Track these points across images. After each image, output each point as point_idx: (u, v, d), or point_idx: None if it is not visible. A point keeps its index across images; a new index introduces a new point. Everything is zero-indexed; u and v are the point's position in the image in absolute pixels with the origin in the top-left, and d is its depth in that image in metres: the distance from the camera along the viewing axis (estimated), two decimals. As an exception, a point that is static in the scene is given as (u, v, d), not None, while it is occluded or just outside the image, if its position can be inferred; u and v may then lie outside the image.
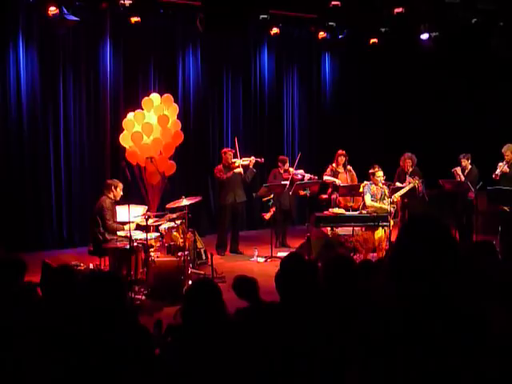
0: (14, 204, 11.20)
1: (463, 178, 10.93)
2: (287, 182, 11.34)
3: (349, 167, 11.73)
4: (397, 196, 10.23)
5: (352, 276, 3.71)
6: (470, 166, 11.06)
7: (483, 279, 3.73)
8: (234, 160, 11.23)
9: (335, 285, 3.67)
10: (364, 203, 10.32)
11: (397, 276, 2.27)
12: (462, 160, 11.08)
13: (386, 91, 14.99)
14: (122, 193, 8.95)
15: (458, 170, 11.06)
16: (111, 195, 8.84)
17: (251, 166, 11.32)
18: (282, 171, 11.80)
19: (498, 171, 10.44)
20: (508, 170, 10.40)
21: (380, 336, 2.23)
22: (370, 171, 10.43)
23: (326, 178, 11.66)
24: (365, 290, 3.54)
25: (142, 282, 8.59)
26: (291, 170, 11.71)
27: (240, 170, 11.12)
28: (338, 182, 11.50)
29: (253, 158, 11.37)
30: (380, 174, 10.26)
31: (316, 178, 11.53)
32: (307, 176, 11.58)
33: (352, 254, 9.76)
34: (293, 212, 12.30)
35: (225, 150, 11.55)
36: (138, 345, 3.45)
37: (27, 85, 11.44)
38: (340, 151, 11.72)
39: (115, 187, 8.88)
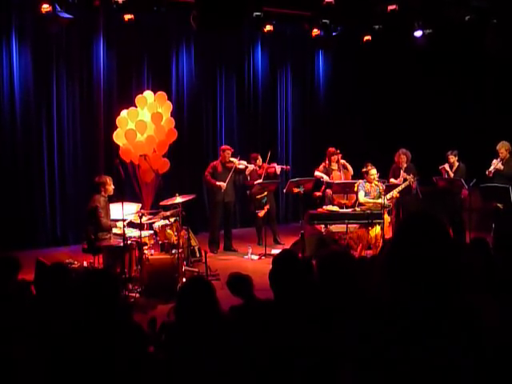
0: (7, 202, 11.16)
1: (452, 175, 10.97)
2: (277, 181, 11.44)
3: (343, 162, 11.71)
4: (395, 193, 10.24)
5: (347, 273, 3.71)
6: (457, 163, 11.08)
7: (477, 275, 3.74)
8: (231, 159, 11.22)
9: (330, 282, 3.67)
10: (358, 200, 10.37)
11: (393, 274, 2.27)
12: (450, 156, 11.09)
13: (380, 88, 14.99)
14: (113, 186, 8.89)
15: (446, 166, 11.09)
16: (103, 193, 8.80)
17: (247, 173, 11.32)
18: (256, 168, 11.73)
19: (491, 168, 10.46)
20: (502, 167, 10.42)
21: (374, 334, 2.23)
22: (363, 170, 10.47)
23: (316, 173, 11.66)
24: (360, 287, 3.54)
25: (136, 279, 8.57)
26: (264, 164, 11.61)
27: (223, 184, 11.04)
28: (325, 178, 11.52)
29: (252, 166, 11.38)
30: (373, 171, 10.29)
31: (289, 167, 11.58)
32: (278, 168, 11.65)
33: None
34: (273, 209, 12.18)
35: (223, 147, 11.54)
36: (131, 343, 3.44)
37: (20, 83, 11.40)
38: (331, 149, 11.67)
39: (105, 184, 8.80)
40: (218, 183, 11.08)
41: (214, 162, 11.38)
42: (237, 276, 4.69)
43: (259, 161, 11.79)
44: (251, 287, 4.46)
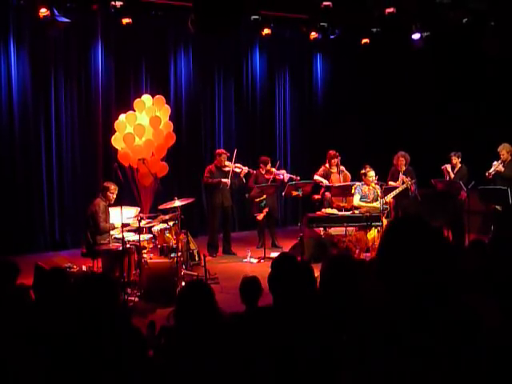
0: (6, 206, 11.16)
1: (452, 176, 10.97)
2: (275, 184, 11.38)
3: (341, 167, 11.72)
4: (389, 197, 10.25)
5: (350, 276, 3.70)
6: (459, 165, 11.08)
7: (475, 277, 3.74)
8: (227, 163, 11.21)
9: (334, 285, 3.66)
10: (352, 204, 10.39)
11: (385, 276, 2.27)
12: (453, 158, 11.09)
13: (378, 91, 15.00)
14: (115, 196, 8.91)
15: (448, 167, 11.09)
16: (106, 198, 8.81)
17: (242, 176, 11.31)
18: (263, 171, 11.69)
19: (491, 170, 10.45)
20: (503, 169, 10.41)
21: (372, 336, 2.23)
22: (362, 172, 10.47)
23: (316, 177, 11.64)
24: (359, 290, 3.54)
25: (135, 283, 8.58)
26: (273, 170, 11.64)
27: (227, 181, 11.09)
28: (325, 182, 11.50)
29: (246, 168, 11.35)
30: (371, 173, 10.30)
31: (298, 178, 11.45)
32: (287, 176, 11.55)
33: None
34: (275, 212, 12.21)
35: (219, 151, 11.47)
36: (131, 346, 3.44)
37: (18, 87, 11.40)
38: (332, 152, 11.65)
39: (107, 190, 8.82)
40: (223, 180, 11.07)
41: (210, 166, 11.36)
42: (252, 283, 4.67)
43: (269, 165, 11.76)
44: (257, 298, 4.47)
